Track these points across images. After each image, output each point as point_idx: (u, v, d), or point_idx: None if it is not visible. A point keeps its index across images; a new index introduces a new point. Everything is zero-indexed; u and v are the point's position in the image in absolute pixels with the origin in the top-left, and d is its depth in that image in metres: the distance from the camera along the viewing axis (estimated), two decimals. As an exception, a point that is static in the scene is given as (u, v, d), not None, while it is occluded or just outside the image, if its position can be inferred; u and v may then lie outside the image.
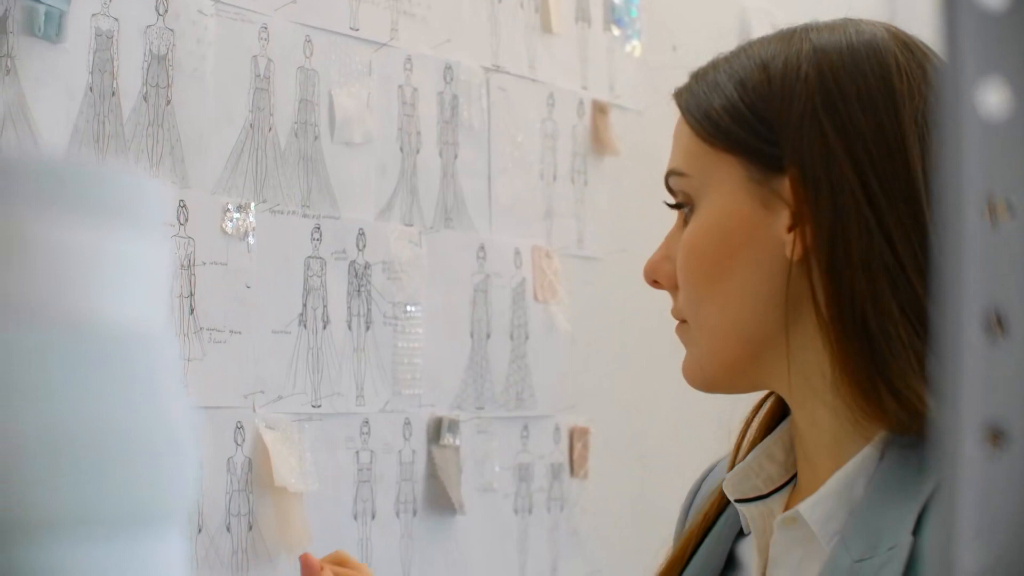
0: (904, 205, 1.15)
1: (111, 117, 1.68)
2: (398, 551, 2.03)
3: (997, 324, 0.49)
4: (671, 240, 1.26)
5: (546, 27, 2.33)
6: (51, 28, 1.60)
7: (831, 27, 1.22)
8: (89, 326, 0.49)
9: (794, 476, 1.24)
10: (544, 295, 2.29)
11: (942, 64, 0.50)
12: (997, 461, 0.49)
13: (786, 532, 1.19)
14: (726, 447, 1.31)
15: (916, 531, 1.10)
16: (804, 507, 1.17)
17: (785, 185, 1.18)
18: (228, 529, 1.78)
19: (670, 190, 1.26)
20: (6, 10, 1.56)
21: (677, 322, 1.25)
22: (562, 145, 2.36)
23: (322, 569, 1.63)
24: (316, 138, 1.93)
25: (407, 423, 2.04)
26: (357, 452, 1.97)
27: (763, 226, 1.19)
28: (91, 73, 1.65)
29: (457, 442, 2.11)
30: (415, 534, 2.05)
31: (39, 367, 0.48)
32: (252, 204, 1.83)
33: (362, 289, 1.98)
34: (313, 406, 1.90)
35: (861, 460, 1.17)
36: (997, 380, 0.49)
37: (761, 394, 1.29)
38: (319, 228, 1.92)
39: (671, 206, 1.26)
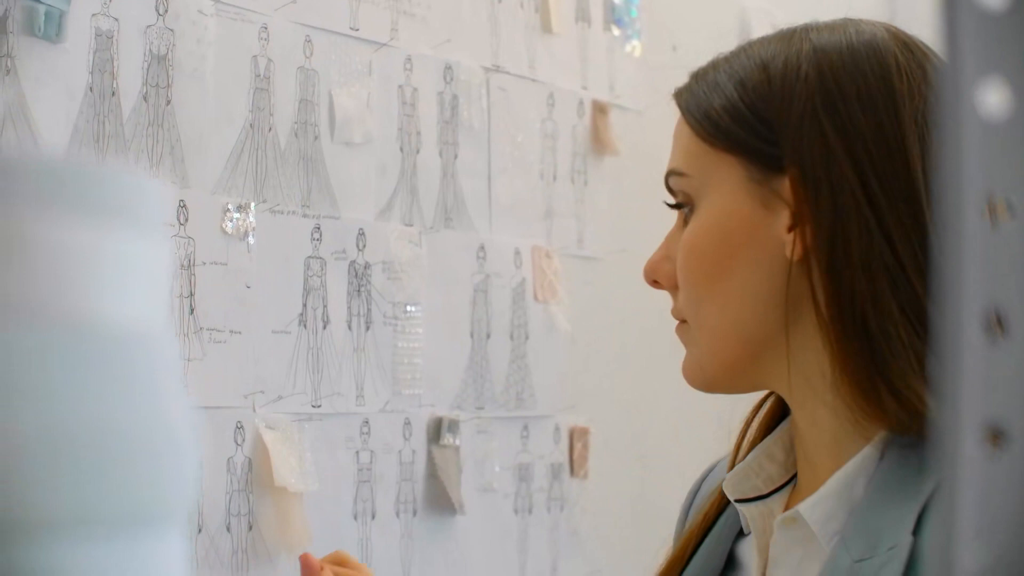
0: (904, 205, 1.15)
1: (111, 117, 1.68)
2: (398, 551, 2.03)
3: (997, 324, 0.49)
4: (671, 240, 1.26)
5: (546, 27, 2.33)
6: (51, 28, 1.60)
7: (831, 27, 1.22)
8: (89, 326, 0.49)
9: (794, 476, 1.24)
10: (544, 295, 2.29)
11: (942, 64, 0.50)
12: (997, 461, 0.49)
13: (786, 532, 1.19)
14: (726, 447, 1.31)
15: (916, 531, 1.10)
16: (804, 507, 1.17)
17: (785, 185, 1.18)
18: (228, 529, 1.78)
19: (670, 190, 1.26)
20: (6, 10, 1.56)
21: (677, 322, 1.25)
22: (562, 145, 2.36)
23: (322, 569, 1.63)
24: (316, 138, 1.93)
25: (407, 423, 2.04)
26: (357, 452, 1.97)
27: (763, 226, 1.19)
28: (91, 73, 1.65)
29: (457, 442, 2.11)
30: (415, 534, 2.05)
31: (39, 367, 0.48)
32: (252, 204, 1.83)
33: (362, 289, 1.98)
34: (313, 406, 1.90)
35: (861, 460, 1.17)
36: (997, 380, 0.49)
37: (761, 394, 1.29)
38: (319, 228, 1.92)
39: (671, 206, 1.26)
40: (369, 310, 1.99)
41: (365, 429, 1.98)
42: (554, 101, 2.35)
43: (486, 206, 2.20)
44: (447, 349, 2.12)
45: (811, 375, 1.19)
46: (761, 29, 2.37)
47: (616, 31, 2.49)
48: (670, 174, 1.25)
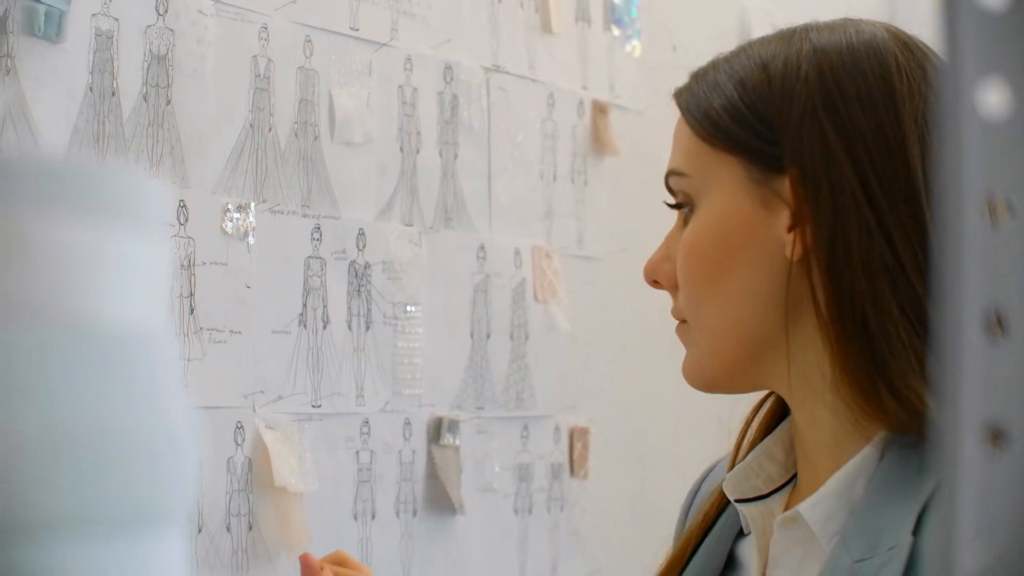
0: (904, 205, 1.15)
1: (111, 117, 1.68)
2: (398, 551, 2.03)
3: (997, 324, 0.49)
4: (671, 240, 1.26)
5: (546, 27, 2.33)
6: (51, 28, 1.60)
7: (831, 27, 1.22)
8: (89, 326, 0.49)
9: (794, 476, 1.24)
10: (544, 295, 2.29)
11: (942, 64, 0.50)
12: (997, 461, 0.49)
13: (786, 532, 1.19)
14: (726, 447, 1.31)
15: (916, 531, 1.10)
16: (804, 507, 1.17)
17: (785, 185, 1.18)
18: (228, 529, 1.78)
19: (670, 190, 1.26)
20: (6, 10, 1.56)
21: (677, 322, 1.25)
22: (562, 145, 2.36)
23: (322, 569, 1.63)
24: (316, 138, 1.93)
25: (407, 423, 2.04)
26: (357, 452, 1.97)
27: (763, 226, 1.19)
28: (91, 73, 1.65)
29: (457, 442, 2.11)
30: (415, 534, 2.05)
31: (39, 367, 0.48)
32: (252, 204, 1.83)
33: (362, 289, 1.98)
34: (313, 406, 1.90)
35: (861, 460, 1.17)
36: (997, 380, 0.49)
37: (761, 394, 1.29)
38: (319, 228, 1.92)
39: (671, 206, 1.26)
40: (369, 310, 1.99)
41: (365, 429, 1.98)
42: (554, 101, 2.35)
43: (486, 206, 2.20)
44: (447, 349, 2.12)
45: (811, 375, 1.19)
46: (761, 29, 2.37)
47: (616, 31, 2.49)
48: (670, 174, 1.25)
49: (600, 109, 2.43)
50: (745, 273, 1.19)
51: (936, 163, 0.97)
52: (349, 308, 1.96)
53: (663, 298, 1.27)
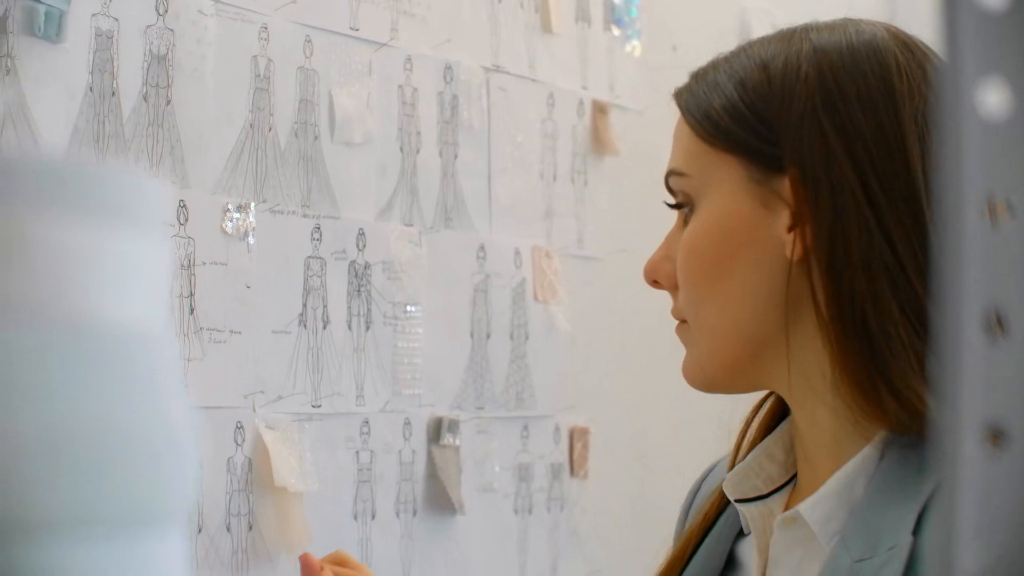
0: (904, 205, 1.15)
1: (111, 117, 1.68)
2: (398, 551, 2.03)
3: (997, 324, 0.49)
4: (671, 240, 1.26)
5: (546, 27, 2.33)
6: (51, 28, 1.60)
7: (831, 27, 1.22)
8: (89, 326, 0.49)
9: (794, 476, 1.24)
10: (544, 295, 2.29)
11: (942, 64, 0.50)
12: (997, 461, 0.49)
13: (786, 532, 1.19)
14: (726, 447, 1.31)
15: (916, 531, 1.10)
16: (804, 507, 1.17)
17: (785, 185, 1.18)
18: (228, 529, 1.78)
19: (670, 190, 1.26)
20: (6, 10, 1.56)
21: (677, 322, 1.25)
22: (562, 145, 2.36)
23: (322, 569, 1.63)
24: (316, 138, 1.93)
25: (407, 423, 2.04)
26: (357, 452, 1.97)
27: (763, 226, 1.19)
28: (91, 73, 1.65)
29: (457, 442, 2.11)
30: (415, 534, 2.05)
31: (39, 367, 0.48)
32: (252, 204, 1.83)
33: (362, 289, 1.98)
34: (313, 406, 1.90)
35: (861, 460, 1.17)
36: (997, 380, 0.49)
37: (761, 394, 1.29)
38: (319, 228, 1.92)
39: (671, 206, 1.26)
40: (369, 310, 1.99)
41: (365, 429, 1.98)
42: (554, 101, 2.35)
43: (486, 206, 2.20)
44: (447, 349, 2.12)
45: (811, 375, 1.19)
46: (761, 29, 2.37)
47: (616, 31, 2.49)
48: (670, 174, 1.25)
49: (600, 109, 2.43)
50: (745, 273, 1.20)
51: (936, 163, 0.97)
52: (349, 308, 1.96)
53: (663, 298, 1.27)
